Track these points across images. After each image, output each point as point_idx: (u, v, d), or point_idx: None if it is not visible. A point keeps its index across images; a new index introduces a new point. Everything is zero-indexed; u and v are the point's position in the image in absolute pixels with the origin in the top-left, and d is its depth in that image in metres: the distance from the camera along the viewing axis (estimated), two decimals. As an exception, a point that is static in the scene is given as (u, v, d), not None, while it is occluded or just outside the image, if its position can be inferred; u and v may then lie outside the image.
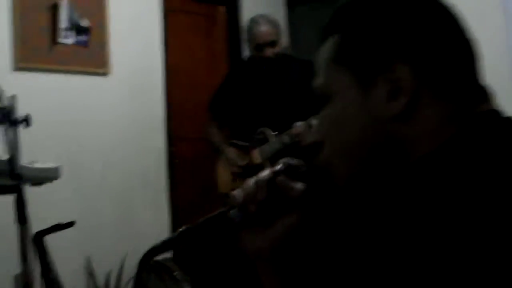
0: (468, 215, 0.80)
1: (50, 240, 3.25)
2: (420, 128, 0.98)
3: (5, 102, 2.80)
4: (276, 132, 4.11)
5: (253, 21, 4.33)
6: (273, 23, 4.27)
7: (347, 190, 1.06)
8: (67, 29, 5.00)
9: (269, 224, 1.07)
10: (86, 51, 5.14)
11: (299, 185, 1.06)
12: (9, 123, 2.76)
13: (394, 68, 0.98)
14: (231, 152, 4.32)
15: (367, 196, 1.04)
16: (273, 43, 4.20)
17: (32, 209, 2.81)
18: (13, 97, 2.88)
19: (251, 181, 1.08)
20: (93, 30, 5.18)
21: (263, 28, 4.20)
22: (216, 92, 4.59)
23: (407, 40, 0.99)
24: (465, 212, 0.80)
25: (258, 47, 4.22)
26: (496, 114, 1.00)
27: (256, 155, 4.21)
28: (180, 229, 1.09)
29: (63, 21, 4.97)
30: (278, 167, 1.08)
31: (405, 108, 0.97)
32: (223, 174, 4.35)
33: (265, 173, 1.08)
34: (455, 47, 1.01)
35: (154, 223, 5.52)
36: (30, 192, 3.06)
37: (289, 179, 1.06)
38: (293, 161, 1.09)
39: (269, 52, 4.19)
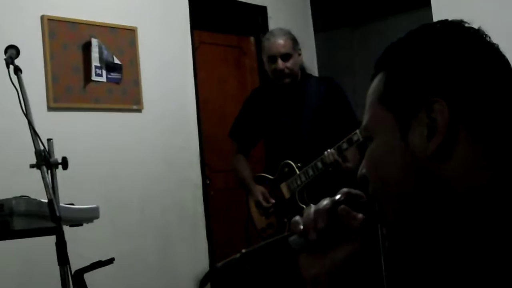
0: None
1: (91, 278, 3.27)
2: (458, 166, 0.98)
3: (42, 145, 2.83)
4: (300, 164, 4.05)
5: (269, 33, 4.31)
6: (289, 36, 4.17)
7: (397, 225, 1.06)
8: (99, 67, 5.05)
9: (328, 251, 1.08)
10: (119, 88, 5.20)
11: (360, 215, 1.07)
12: (47, 166, 2.80)
13: (431, 106, 0.99)
14: (258, 193, 4.21)
15: (419, 232, 1.04)
16: (286, 56, 4.08)
17: (72, 247, 2.83)
18: (49, 141, 2.91)
19: (311, 210, 1.10)
20: (125, 67, 5.23)
21: (277, 40, 4.11)
22: (236, 118, 4.48)
23: (444, 77, 1.00)
24: None
25: (271, 58, 4.11)
26: None
27: (284, 191, 4.12)
28: (243, 251, 1.10)
29: (95, 59, 5.03)
30: (338, 196, 1.10)
31: (440, 146, 0.98)
32: (255, 210, 4.29)
33: (325, 202, 1.10)
34: (494, 86, 1.01)
35: (192, 256, 5.53)
36: (71, 230, 3.09)
37: (349, 209, 1.07)
38: (353, 191, 1.11)
39: (282, 65, 4.07)
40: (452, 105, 0.98)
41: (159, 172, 5.37)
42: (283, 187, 4.13)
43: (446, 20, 1.07)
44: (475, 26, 1.07)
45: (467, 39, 1.03)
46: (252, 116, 4.32)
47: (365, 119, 1.11)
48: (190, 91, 5.78)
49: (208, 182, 5.85)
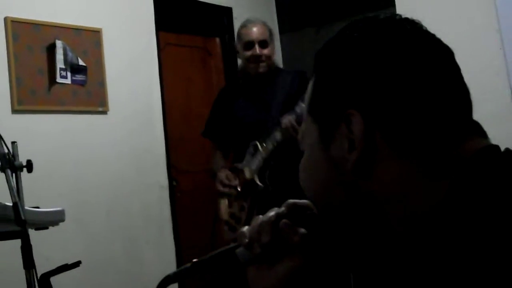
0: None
1: (57, 281, 3.25)
2: (383, 186, 0.93)
3: (6, 148, 2.81)
4: (265, 145, 3.88)
5: (246, 20, 4.23)
6: (267, 26, 4.15)
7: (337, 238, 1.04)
8: (64, 69, 5.02)
9: (273, 264, 1.06)
10: (84, 90, 5.17)
11: (301, 230, 1.04)
12: (11, 169, 2.77)
13: (349, 118, 0.93)
14: (222, 174, 4.07)
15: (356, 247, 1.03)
16: (264, 43, 4.03)
17: (38, 251, 2.82)
18: (14, 144, 2.89)
19: (257, 221, 1.07)
20: (90, 69, 5.20)
21: (256, 26, 4.07)
22: (208, 117, 4.39)
23: (360, 87, 0.94)
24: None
25: (248, 44, 4.04)
26: (488, 153, 0.92)
27: (246, 172, 3.97)
28: (194, 260, 1.10)
29: (60, 61, 5.00)
30: (282, 209, 1.08)
31: (358, 161, 0.93)
32: (221, 201, 4.16)
33: (270, 214, 1.07)
34: (422, 95, 0.92)
35: (159, 259, 5.51)
36: (36, 234, 3.06)
37: (290, 224, 1.04)
38: (300, 202, 1.08)
39: (260, 51, 4.01)
40: (368, 117, 0.92)
41: (125, 174, 5.35)
42: (246, 169, 3.99)
43: (374, 17, 1.01)
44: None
45: (392, 40, 0.96)
46: (223, 113, 4.21)
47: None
48: (155, 93, 5.76)
49: (174, 183, 5.84)
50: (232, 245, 1.10)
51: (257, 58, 4.02)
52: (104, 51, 5.34)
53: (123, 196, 5.31)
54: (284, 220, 1.05)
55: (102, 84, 5.30)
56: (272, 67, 4.10)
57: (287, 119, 3.63)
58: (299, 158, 1.05)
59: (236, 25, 6.50)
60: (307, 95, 1.04)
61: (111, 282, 5.10)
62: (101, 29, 5.35)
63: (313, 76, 1.04)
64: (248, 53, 4.03)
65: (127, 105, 5.46)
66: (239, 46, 4.13)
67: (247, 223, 3.48)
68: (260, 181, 3.89)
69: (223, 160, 4.27)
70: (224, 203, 4.10)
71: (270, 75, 4.07)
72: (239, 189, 3.99)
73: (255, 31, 4.04)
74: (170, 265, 5.51)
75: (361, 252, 1.01)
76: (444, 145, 0.91)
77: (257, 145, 3.90)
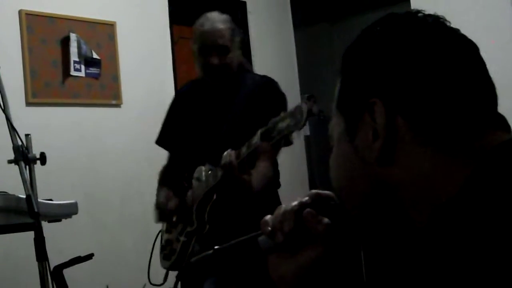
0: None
1: (70, 273, 3.26)
2: (404, 173, 0.94)
3: (20, 140, 2.82)
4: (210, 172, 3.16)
5: (204, 17, 3.34)
6: (228, 24, 3.31)
7: (361, 230, 1.05)
8: (78, 62, 5.03)
9: (295, 252, 1.07)
10: (98, 83, 5.18)
11: (325, 220, 1.04)
12: (25, 161, 2.78)
13: (372, 107, 0.95)
14: (162, 193, 3.50)
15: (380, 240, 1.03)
16: (223, 49, 3.25)
17: (51, 243, 2.83)
18: (27, 136, 2.90)
19: (280, 210, 1.08)
20: (104, 62, 5.22)
21: (214, 27, 3.25)
22: (163, 123, 3.70)
23: (382, 77, 0.96)
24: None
25: (204, 49, 3.26)
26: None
27: (188, 198, 3.29)
28: (216, 247, 1.11)
29: (74, 54, 5.01)
30: (306, 198, 1.08)
31: (382, 149, 0.94)
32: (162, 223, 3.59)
33: (294, 203, 1.07)
34: (443, 84, 0.93)
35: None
36: (49, 226, 3.08)
37: (314, 213, 1.05)
38: (323, 193, 1.08)
39: (217, 60, 3.24)
40: (391, 105, 0.94)
41: (138, 166, 5.35)
42: (188, 195, 3.32)
43: (395, 14, 1.02)
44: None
45: (413, 33, 0.97)
46: (179, 118, 3.56)
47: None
48: (169, 86, 5.76)
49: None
50: (254, 233, 1.10)
51: (212, 68, 3.28)
52: (118, 44, 5.35)
53: (135, 189, 5.32)
54: (308, 209, 1.05)
55: (116, 77, 5.31)
56: (232, 72, 3.35)
57: (228, 156, 2.95)
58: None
59: (251, 19, 6.51)
60: (336, 94, 1.05)
61: (123, 275, 5.11)
62: (115, 22, 5.35)
63: (339, 76, 1.05)
64: (203, 59, 3.30)
65: (141, 98, 5.47)
66: (194, 47, 3.35)
67: (178, 261, 3.19)
68: (197, 217, 3.22)
69: (169, 175, 3.64)
70: (162, 229, 3.56)
71: (231, 79, 3.37)
72: (173, 219, 3.42)
73: (213, 35, 3.26)
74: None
75: (382, 241, 1.02)
76: (466, 134, 0.92)
77: (201, 172, 3.24)
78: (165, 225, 3.49)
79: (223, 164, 2.95)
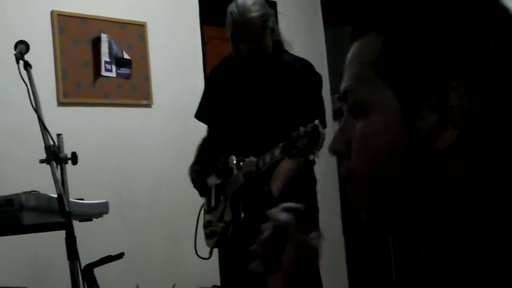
0: None
1: (100, 273, 3.28)
2: (477, 166, 0.83)
3: (52, 140, 2.84)
4: (242, 164, 3.13)
5: (234, 3, 3.28)
6: (259, 10, 3.24)
7: (372, 221, 0.93)
8: (109, 62, 5.05)
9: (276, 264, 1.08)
10: (129, 84, 5.20)
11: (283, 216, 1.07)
12: (57, 161, 2.80)
13: (446, 92, 0.81)
14: (193, 172, 3.62)
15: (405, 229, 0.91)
16: (254, 36, 3.24)
17: (82, 242, 2.84)
18: (59, 136, 2.92)
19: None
20: (135, 62, 5.23)
21: (244, 16, 3.21)
22: (201, 98, 3.76)
23: (465, 57, 0.81)
24: None
25: (236, 37, 3.27)
26: None
27: (223, 189, 3.40)
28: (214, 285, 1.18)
29: (105, 54, 5.04)
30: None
31: (455, 141, 0.81)
32: (203, 201, 3.70)
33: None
34: None
35: (201, 252, 5.52)
36: (80, 225, 3.10)
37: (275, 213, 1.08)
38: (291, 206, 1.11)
39: (247, 48, 3.24)
40: (470, 91, 0.81)
41: (168, 167, 5.37)
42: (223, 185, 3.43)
43: None
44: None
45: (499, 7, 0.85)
46: (216, 95, 3.61)
47: (350, 83, 0.92)
48: (200, 86, 5.73)
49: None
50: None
51: (243, 56, 3.31)
52: (148, 44, 5.36)
53: (165, 189, 5.33)
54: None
55: (146, 77, 5.32)
56: (267, 55, 3.34)
57: (249, 165, 2.99)
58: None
59: (281, 20, 6.48)
60: (366, 50, 0.89)
61: (153, 274, 5.12)
62: (145, 23, 5.37)
63: (370, 31, 0.90)
64: (234, 47, 3.32)
65: (171, 98, 5.48)
66: (227, 32, 3.34)
67: (220, 242, 3.45)
68: (232, 209, 3.30)
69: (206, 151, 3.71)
70: (204, 205, 3.66)
71: (265, 64, 3.34)
72: (212, 203, 3.49)
73: (242, 23, 3.22)
74: (211, 258, 5.51)
75: (416, 218, 0.88)
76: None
77: (233, 163, 3.28)
78: (205, 201, 3.60)
79: (244, 173, 3.02)
